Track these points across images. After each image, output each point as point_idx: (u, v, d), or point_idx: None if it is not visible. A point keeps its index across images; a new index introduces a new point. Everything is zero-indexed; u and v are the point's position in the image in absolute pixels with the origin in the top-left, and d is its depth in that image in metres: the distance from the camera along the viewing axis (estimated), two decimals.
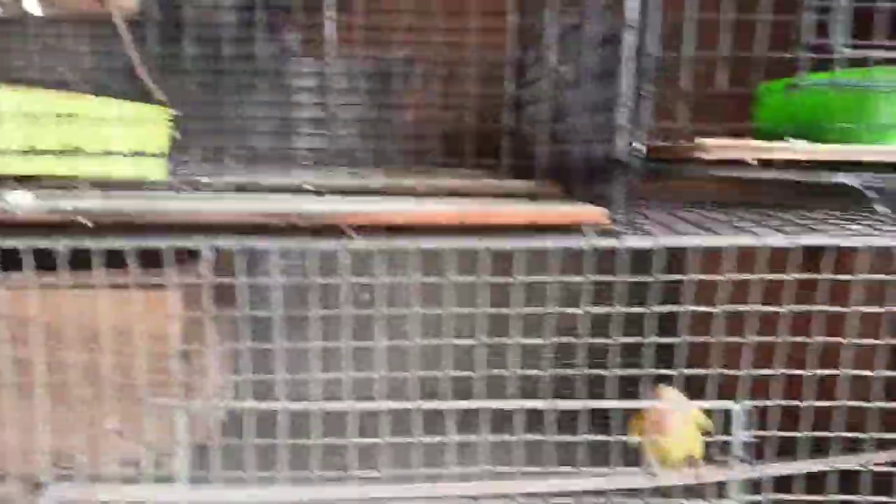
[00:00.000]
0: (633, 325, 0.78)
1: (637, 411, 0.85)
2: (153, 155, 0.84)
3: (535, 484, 0.81)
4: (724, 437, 0.81)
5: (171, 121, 0.90)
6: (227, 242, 0.70)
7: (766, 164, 0.75)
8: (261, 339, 0.80)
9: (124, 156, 0.79)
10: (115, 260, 0.80)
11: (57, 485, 0.82)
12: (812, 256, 0.75)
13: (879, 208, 0.76)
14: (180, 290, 0.87)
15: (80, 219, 0.67)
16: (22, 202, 0.68)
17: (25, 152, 0.71)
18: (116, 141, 0.77)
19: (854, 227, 0.74)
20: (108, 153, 0.77)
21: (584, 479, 0.82)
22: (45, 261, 0.79)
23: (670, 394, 0.82)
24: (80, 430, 0.81)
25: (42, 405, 0.78)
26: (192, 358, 0.90)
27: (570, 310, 0.78)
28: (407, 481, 0.81)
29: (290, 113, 1.18)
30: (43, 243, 0.70)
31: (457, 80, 1.15)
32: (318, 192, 0.81)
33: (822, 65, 0.81)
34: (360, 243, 0.70)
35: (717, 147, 0.72)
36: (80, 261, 0.87)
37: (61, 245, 0.70)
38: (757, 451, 0.82)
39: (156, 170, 0.84)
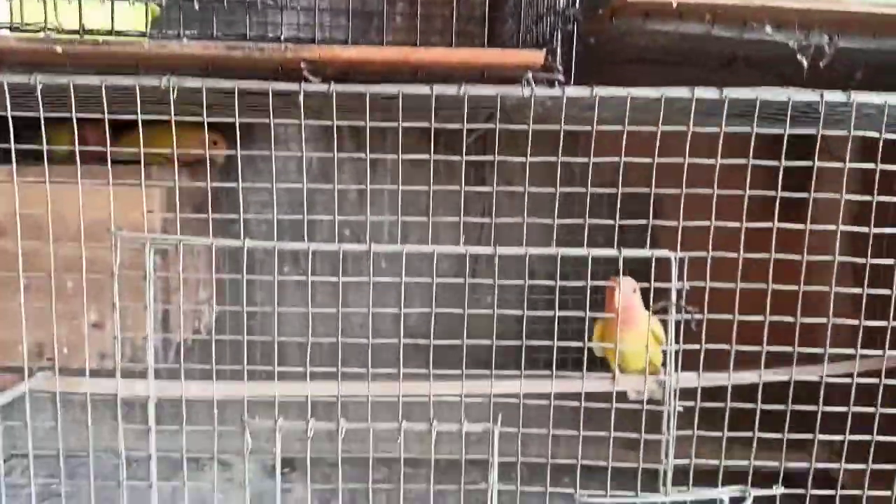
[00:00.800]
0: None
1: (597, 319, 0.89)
2: None
3: (500, 385, 0.84)
4: (662, 284, 0.82)
5: None
6: (193, 83, 0.74)
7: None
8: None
9: None
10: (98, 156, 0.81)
11: (38, 376, 0.85)
12: None
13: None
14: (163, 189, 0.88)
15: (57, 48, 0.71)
16: None
17: None
18: None
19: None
20: None
21: (542, 382, 0.84)
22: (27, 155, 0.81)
23: (626, 284, 0.85)
24: (59, 323, 0.83)
25: (23, 298, 0.80)
26: (170, 256, 0.91)
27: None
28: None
29: None
30: (19, 79, 0.73)
31: None
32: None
33: None
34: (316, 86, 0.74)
35: None
36: (63, 155, 0.88)
37: (38, 80, 0.73)
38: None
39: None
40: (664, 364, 0.85)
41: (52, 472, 0.83)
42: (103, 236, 0.80)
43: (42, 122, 0.77)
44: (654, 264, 0.80)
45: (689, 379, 0.84)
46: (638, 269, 0.84)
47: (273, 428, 0.81)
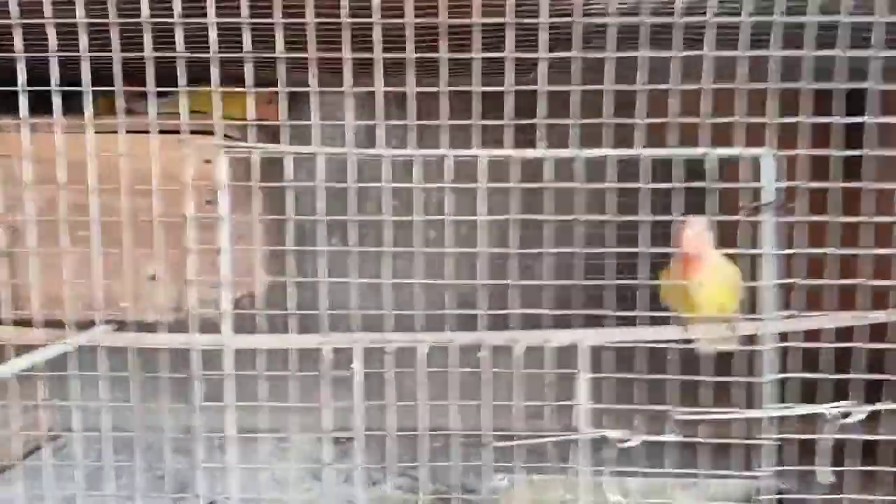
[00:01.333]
0: None
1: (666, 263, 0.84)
2: None
3: (559, 335, 0.80)
4: (754, 185, 0.78)
5: None
6: None
7: None
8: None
9: None
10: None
11: (104, 329, 0.82)
12: None
13: None
14: None
15: None
16: None
17: None
18: None
19: None
20: None
21: (609, 331, 0.80)
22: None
23: (698, 224, 0.81)
24: (113, 277, 0.81)
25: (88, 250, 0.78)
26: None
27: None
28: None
29: None
30: None
31: None
32: None
33: None
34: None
35: None
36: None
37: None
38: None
39: None
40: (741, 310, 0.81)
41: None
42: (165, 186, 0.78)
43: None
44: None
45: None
46: None
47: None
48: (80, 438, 0.80)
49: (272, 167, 0.82)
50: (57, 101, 0.75)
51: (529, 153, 0.78)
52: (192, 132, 0.77)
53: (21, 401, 0.77)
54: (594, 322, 0.79)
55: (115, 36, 0.73)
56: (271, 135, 0.91)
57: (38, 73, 0.75)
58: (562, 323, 0.80)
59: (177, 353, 0.81)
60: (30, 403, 0.81)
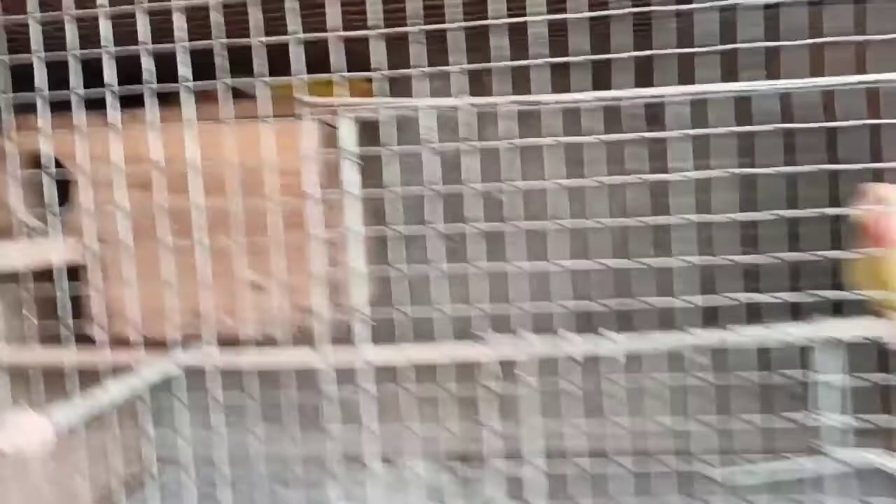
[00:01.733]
0: None
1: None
2: None
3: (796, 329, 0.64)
4: None
5: None
6: None
7: None
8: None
9: None
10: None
11: (188, 348, 0.73)
12: None
13: None
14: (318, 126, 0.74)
15: None
16: None
17: None
18: None
19: None
20: None
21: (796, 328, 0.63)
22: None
23: (885, 191, 0.65)
24: (213, 288, 0.71)
25: (166, 256, 0.69)
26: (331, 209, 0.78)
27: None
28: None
29: None
30: None
31: None
32: None
33: None
34: None
35: None
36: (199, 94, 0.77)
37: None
38: None
39: None
40: None
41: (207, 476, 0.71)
42: (255, 185, 0.69)
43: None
44: None
45: None
46: None
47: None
48: (186, 472, 0.71)
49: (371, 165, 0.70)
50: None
51: None
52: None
53: (120, 432, 0.68)
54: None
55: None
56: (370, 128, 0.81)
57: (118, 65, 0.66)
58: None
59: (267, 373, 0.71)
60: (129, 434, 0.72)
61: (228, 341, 0.72)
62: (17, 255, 0.69)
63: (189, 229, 0.69)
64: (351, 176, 0.64)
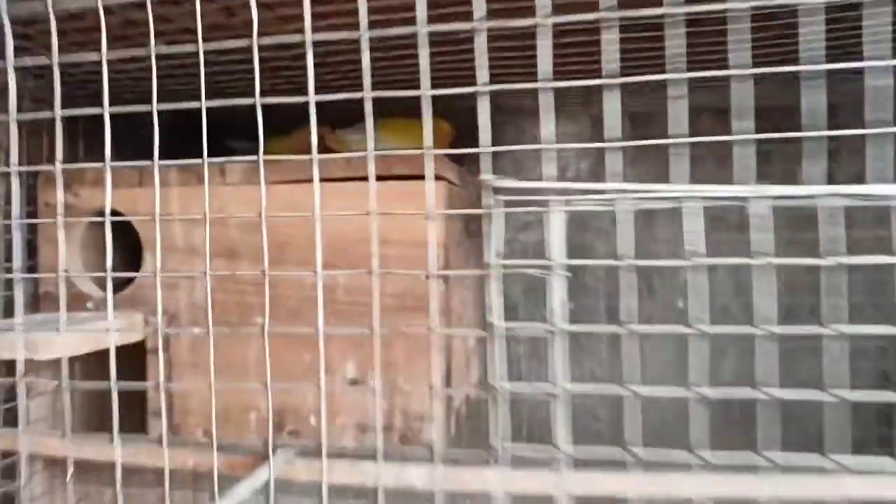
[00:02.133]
0: None
1: None
2: None
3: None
4: None
5: None
6: None
7: None
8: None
9: None
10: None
11: (276, 456, 0.58)
12: None
13: None
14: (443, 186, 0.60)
15: None
16: None
17: None
18: None
19: None
20: None
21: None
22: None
23: None
24: (306, 382, 0.57)
25: (251, 344, 0.55)
26: (451, 289, 0.63)
27: None
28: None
29: None
30: None
31: None
32: None
33: None
34: None
35: None
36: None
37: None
38: None
39: None
40: None
41: None
42: (361, 257, 0.54)
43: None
44: None
45: None
46: None
47: None
48: None
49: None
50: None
51: None
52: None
53: None
54: None
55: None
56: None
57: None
58: None
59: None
60: None
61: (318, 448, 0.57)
62: (73, 343, 0.56)
63: (277, 312, 0.55)
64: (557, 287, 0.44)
